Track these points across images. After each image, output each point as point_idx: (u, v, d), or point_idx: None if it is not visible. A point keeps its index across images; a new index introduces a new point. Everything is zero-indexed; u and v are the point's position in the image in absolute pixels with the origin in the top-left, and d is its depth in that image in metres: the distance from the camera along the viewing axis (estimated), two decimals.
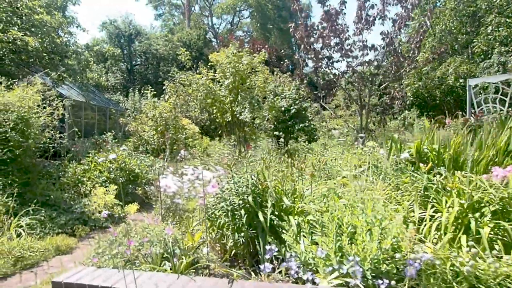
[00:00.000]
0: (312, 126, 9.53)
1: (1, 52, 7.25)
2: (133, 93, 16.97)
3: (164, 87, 9.34)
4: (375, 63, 9.86)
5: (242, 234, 2.81)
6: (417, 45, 9.59)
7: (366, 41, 10.18)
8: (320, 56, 10.05)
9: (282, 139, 10.22)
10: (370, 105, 10.78)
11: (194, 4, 35.04)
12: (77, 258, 3.88)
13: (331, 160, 6.05)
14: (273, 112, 9.10)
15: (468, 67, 15.84)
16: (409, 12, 9.17)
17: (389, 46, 9.51)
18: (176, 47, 20.90)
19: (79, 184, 5.86)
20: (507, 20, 13.82)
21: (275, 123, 10.17)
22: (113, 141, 9.52)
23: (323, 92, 12.43)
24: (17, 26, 7.75)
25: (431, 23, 9.46)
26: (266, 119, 9.61)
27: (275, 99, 9.47)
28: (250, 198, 2.90)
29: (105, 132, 10.09)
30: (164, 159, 9.66)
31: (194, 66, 10.47)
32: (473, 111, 12.61)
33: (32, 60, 8.44)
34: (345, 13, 10.19)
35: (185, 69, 22.62)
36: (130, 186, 6.49)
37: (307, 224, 2.65)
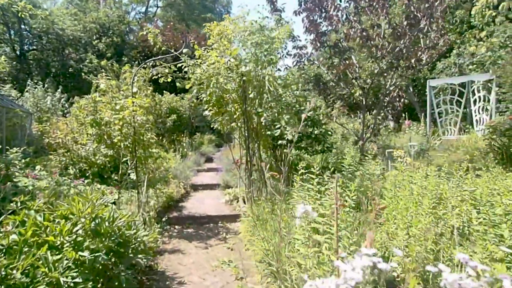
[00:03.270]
0: (328, 132, 7.30)
1: None
2: (33, 87, 11.86)
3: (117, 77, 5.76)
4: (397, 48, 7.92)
5: None
6: (442, 14, 7.71)
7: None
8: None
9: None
10: (383, 102, 8.98)
11: None
12: None
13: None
14: (287, 117, 6.60)
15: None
16: None
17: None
18: (90, 30, 15.94)
19: None
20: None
21: (272, 127, 7.59)
22: (23, 161, 5.58)
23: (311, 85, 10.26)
24: None
25: None
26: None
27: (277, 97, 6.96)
28: None
29: (8, 148, 5.95)
30: (126, 188, 6.08)
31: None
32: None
33: None
34: None
35: (105, 58, 17.77)
36: (120, 265, 3.15)
37: None
